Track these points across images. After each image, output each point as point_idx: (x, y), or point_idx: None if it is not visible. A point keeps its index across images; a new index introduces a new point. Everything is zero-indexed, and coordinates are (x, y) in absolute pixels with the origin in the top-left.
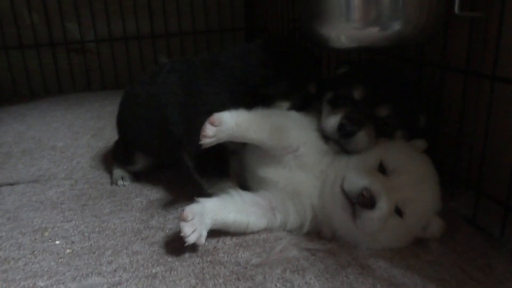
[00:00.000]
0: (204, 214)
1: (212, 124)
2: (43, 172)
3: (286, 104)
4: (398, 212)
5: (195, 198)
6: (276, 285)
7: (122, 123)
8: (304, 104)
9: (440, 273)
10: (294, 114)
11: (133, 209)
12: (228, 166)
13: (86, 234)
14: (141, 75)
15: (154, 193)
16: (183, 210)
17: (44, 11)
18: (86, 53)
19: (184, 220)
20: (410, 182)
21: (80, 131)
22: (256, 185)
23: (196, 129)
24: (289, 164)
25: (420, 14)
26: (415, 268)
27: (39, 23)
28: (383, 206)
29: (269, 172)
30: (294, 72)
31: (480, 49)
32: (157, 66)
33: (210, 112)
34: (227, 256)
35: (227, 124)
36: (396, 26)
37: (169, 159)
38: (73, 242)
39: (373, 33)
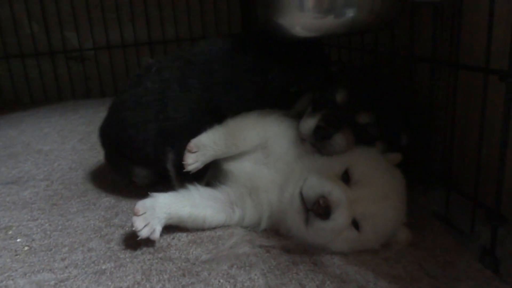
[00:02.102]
0: (157, 208)
1: (191, 151)
2: (23, 174)
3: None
4: (356, 225)
5: (148, 192)
6: (219, 281)
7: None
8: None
9: (395, 270)
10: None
11: (99, 208)
12: (207, 171)
13: (48, 232)
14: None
15: (124, 193)
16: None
17: (43, 20)
18: (85, 61)
19: (136, 214)
20: (374, 197)
21: (68, 135)
22: (219, 179)
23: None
24: (256, 157)
25: (374, 0)
26: (370, 265)
27: (39, 32)
28: (338, 218)
29: (233, 166)
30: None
31: (448, 37)
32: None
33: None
34: (179, 253)
35: (207, 146)
36: (350, 13)
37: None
38: (33, 240)
39: (328, 21)
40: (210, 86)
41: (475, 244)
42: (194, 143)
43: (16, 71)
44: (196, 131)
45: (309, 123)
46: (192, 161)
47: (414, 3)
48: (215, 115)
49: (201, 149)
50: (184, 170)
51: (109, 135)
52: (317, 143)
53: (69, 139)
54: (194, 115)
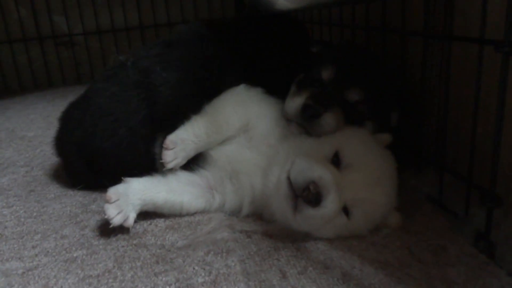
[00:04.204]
0: (131, 194)
1: (168, 148)
2: (3, 160)
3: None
4: (345, 211)
5: (122, 178)
6: (194, 268)
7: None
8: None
9: (383, 255)
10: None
11: (78, 194)
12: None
13: (22, 219)
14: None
15: None
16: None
17: (31, 4)
18: (75, 47)
19: (108, 201)
20: (365, 181)
21: (54, 121)
22: (197, 162)
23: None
24: (237, 141)
25: None
26: (356, 250)
27: (26, 17)
28: (329, 205)
29: (212, 149)
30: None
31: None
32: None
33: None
34: (154, 239)
35: (186, 140)
36: None
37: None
38: (6, 227)
39: None
40: (193, 62)
41: (469, 227)
42: (170, 139)
43: (4, 57)
44: (186, 110)
45: (296, 102)
46: (171, 158)
47: None
48: (202, 93)
49: (180, 144)
50: (164, 169)
51: (81, 146)
52: (305, 123)
53: (54, 125)
54: (182, 93)
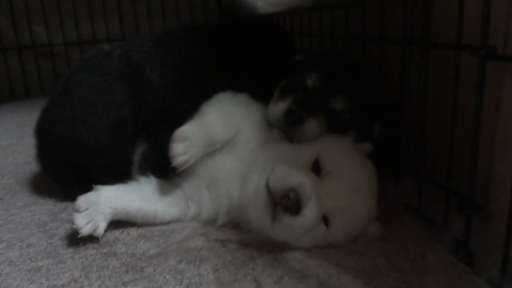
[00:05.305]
0: (101, 202)
1: (177, 141)
2: None
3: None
4: (325, 221)
5: (92, 185)
6: (164, 277)
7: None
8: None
9: (361, 264)
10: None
11: (48, 202)
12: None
13: None
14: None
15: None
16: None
17: (10, 13)
18: (55, 57)
19: (77, 210)
20: (345, 190)
21: (29, 131)
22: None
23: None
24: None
25: None
26: (334, 259)
27: (5, 26)
28: (308, 214)
29: None
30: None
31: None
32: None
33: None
34: (125, 248)
35: (194, 136)
36: None
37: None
38: None
39: None
40: (185, 64)
41: (449, 236)
42: (179, 132)
43: None
44: (175, 113)
45: (279, 107)
46: (182, 151)
47: None
48: (192, 96)
49: (190, 139)
50: (172, 165)
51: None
52: (287, 128)
53: (29, 134)
54: (174, 94)
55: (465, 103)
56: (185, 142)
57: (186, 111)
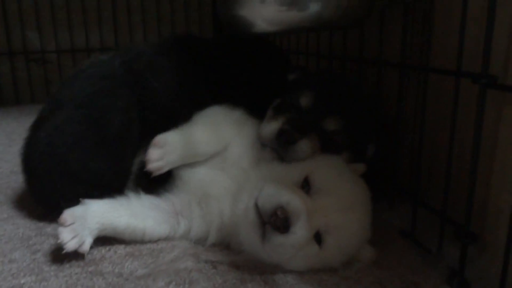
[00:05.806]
0: (88, 217)
1: (155, 146)
2: None
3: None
4: (318, 239)
5: (80, 199)
6: None
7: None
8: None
9: None
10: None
11: (33, 215)
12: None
13: None
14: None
15: None
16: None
17: (3, 18)
18: (47, 64)
19: (63, 224)
20: (337, 207)
21: (17, 138)
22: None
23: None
24: (212, 161)
25: None
26: (327, 284)
27: None
28: (298, 231)
29: (183, 170)
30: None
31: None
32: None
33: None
34: (112, 266)
35: (174, 144)
36: (315, 7)
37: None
38: None
39: (291, 14)
40: (186, 74)
41: (443, 264)
42: (159, 138)
43: None
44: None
45: (272, 126)
46: (157, 156)
47: (384, 1)
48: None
49: (168, 145)
50: (145, 169)
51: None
52: (280, 148)
53: (17, 142)
54: (178, 102)
55: (462, 129)
56: (163, 148)
57: (187, 119)
